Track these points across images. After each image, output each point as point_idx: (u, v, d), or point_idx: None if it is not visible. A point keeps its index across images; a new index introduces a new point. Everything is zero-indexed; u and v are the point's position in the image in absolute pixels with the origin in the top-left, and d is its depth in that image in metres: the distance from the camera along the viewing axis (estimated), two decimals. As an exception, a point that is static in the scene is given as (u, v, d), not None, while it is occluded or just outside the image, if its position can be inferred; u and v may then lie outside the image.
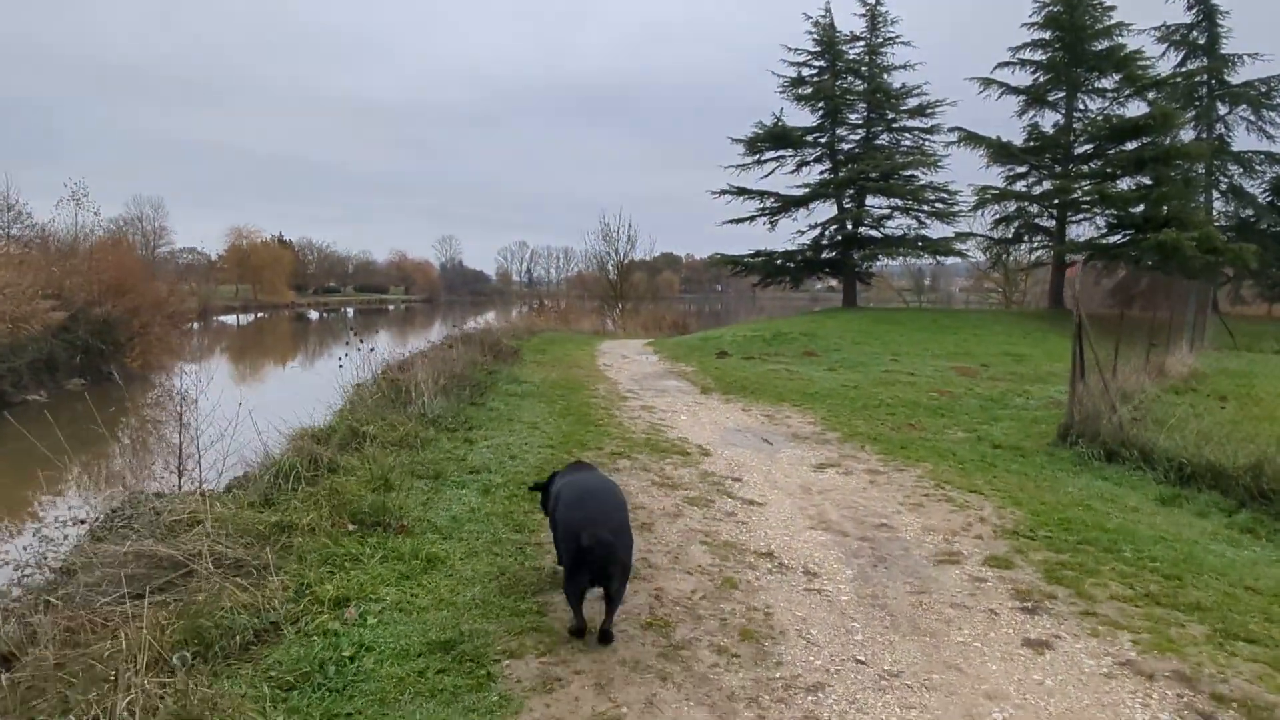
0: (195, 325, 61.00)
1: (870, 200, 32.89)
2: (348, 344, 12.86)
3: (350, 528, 5.44)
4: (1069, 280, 32.14)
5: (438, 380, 10.01)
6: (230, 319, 69.86)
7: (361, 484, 6.09)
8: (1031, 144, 33.55)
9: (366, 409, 8.75)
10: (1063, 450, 10.05)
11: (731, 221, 33.74)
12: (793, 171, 33.92)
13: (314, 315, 79.66)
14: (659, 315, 41.11)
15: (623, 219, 46.66)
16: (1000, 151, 33.05)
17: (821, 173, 33.56)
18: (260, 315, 75.01)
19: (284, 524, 5.32)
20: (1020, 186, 34.24)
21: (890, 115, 32.72)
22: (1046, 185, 33.34)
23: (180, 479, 6.69)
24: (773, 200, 32.98)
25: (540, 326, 30.18)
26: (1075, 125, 33.31)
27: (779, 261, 33.53)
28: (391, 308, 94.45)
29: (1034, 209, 34.46)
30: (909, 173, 32.08)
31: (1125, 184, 32.36)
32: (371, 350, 12.73)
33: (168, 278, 67.88)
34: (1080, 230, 35.04)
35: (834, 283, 50.11)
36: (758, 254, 33.51)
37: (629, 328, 37.29)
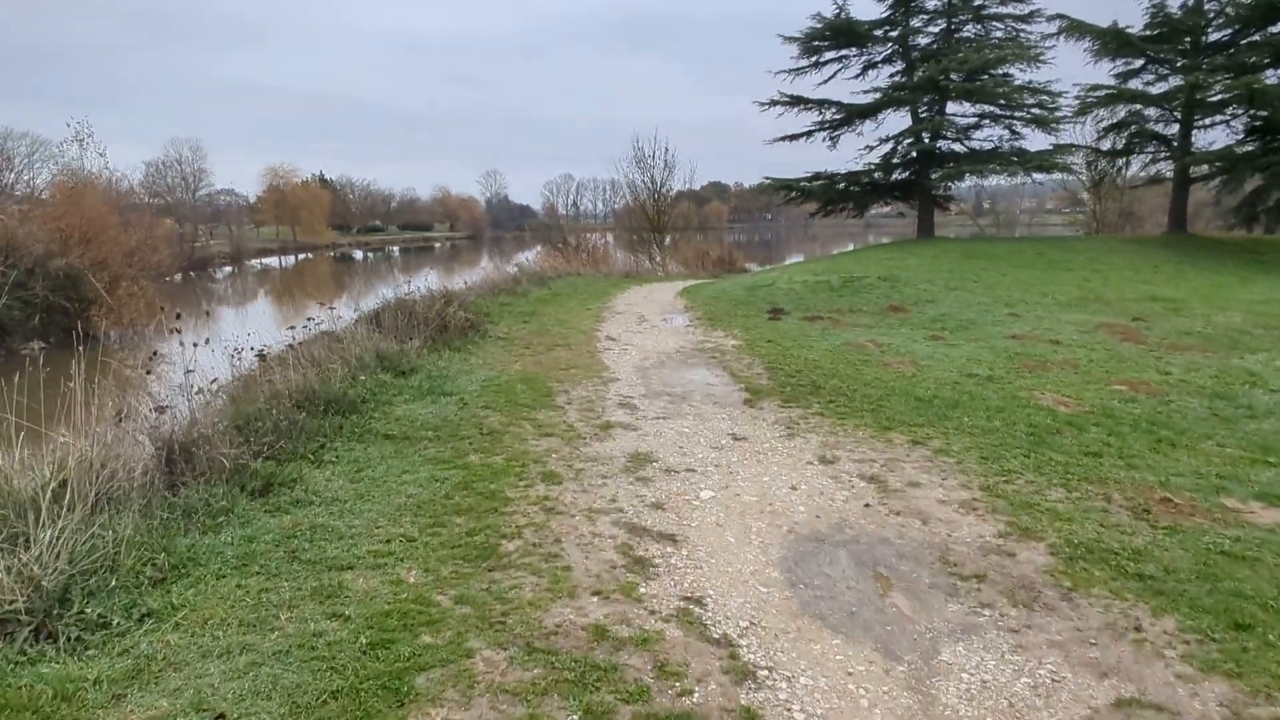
0: (229, 270, 56.89)
1: (952, 108, 25.93)
2: (173, 332, 7.45)
3: None
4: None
5: (168, 443, 4.43)
6: (272, 261, 65.59)
7: None
8: (1153, 31, 26.11)
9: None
10: None
11: (784, 139, 27.06)
12: (858, 75, 26.91)
13: (359, 255, 75.00)
14: (702, 250, 34.97)
15: (658, 143, 40.08)
16: (1114, 41, 25.66)
17: (893, 75, 26.52)
18: (303, 257, 70.56)
19: None
20: (1135, 85, 26.97)
21: (978, 1, 25.48)
22: (1173, 82, 26.02)
23: None
24: (834, 110, 26.11)
25: (561, 269, 24.48)
26: (1208, 6, 25.74)
27: (841, 185, 26.85)
28: (437, 245, 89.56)
29: (1150, 113, 27.21)
30: (1001, 71, 24.99)
31: (1271, 77, 24.95)
32: (204, 344, 7.35)
33: (202, 219, 63.53)
34: (1208, 138, 27.81)
35: (888, 208, 43.05)
36: (816, 177, 26.82)
37: (668, 267, 31.38)
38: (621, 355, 9.98)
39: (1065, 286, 17.64)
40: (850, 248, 64.11)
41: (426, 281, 13.03)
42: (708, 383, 8.52)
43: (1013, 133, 25.79)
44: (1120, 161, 29.27)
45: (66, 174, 43.87)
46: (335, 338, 8.29)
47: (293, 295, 40.48)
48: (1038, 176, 27.83)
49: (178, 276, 47.82)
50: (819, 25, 25.24)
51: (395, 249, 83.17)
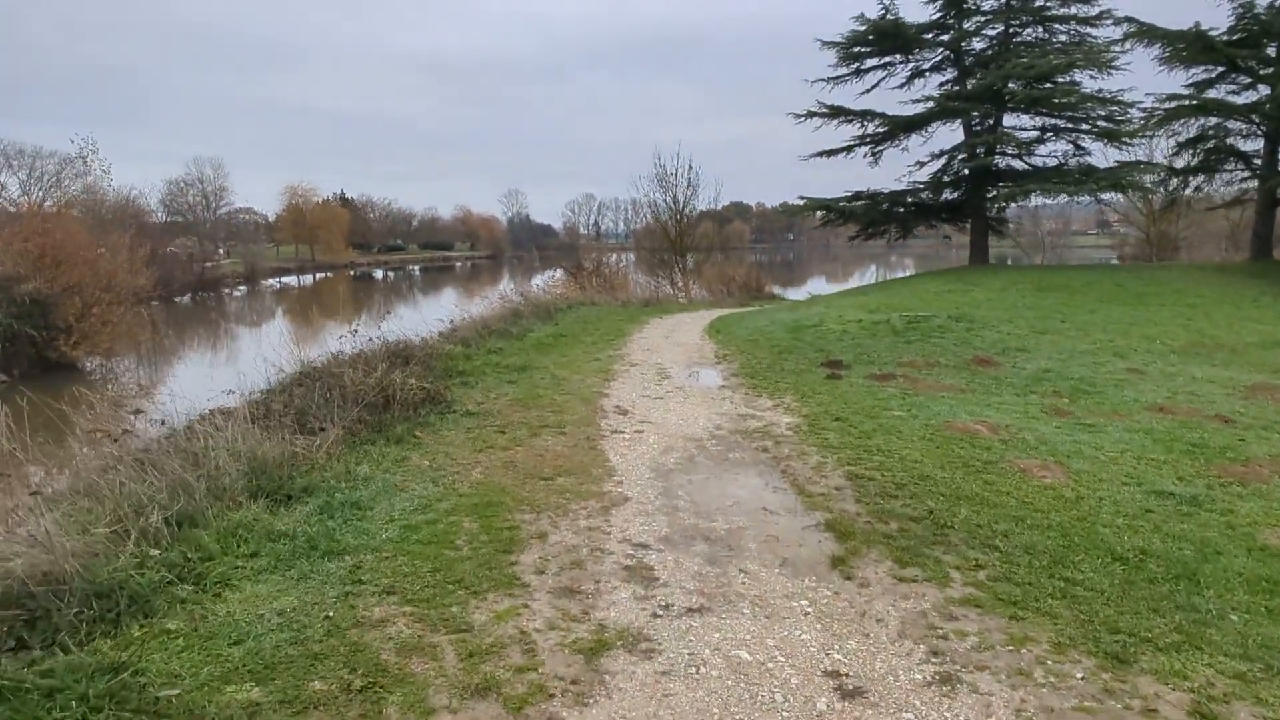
0: (242, 289, 54.42)
1: (1009, 120, 22.73)
2: None
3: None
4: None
5: None
6: (290, 280, 63.26)
7: None
8: (1233, 36, 22.75)
9: None
10: None
11: (822, 154, 23.91)
12: (903, 85, 23.83)
13: (379, 275, 72.54)
14: (727, 273, 31.81)
15: (681, 160, 36.95)
16: (1194, 46, 22.35)
17: (943, 84, 23.45)
18: (322, 275, 68.15)
19: None
20: (1212, 95, 23.59)
21: (1039, 1, 22.28)
22: (1261, 91, 22.65)
23: None
24: (877, 123, 22.94)
25: (572, 299, 21.44)
26: (1294, 7, 22.33)
27: (885, 206, 23.69)
28: (458, 265, 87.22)
29: (1231, 126, 23.80)
30: (1065, 78, 21.73)
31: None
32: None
33: (220, 237, 61.33)
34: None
35: (932, 230, 39.65)
36: (857, 196, 23.65)
37: (690, 292, 28.29)
38: (634, 444, 6.87)
39: (1168, 327, 14.39)
40: (873, 270, 60.45)
41: (381, 332, 9.95)
42: (764, 507, 5.40)
43: (1077, 148, 22.55)
44: (1196, 180, 25.75)
45: (87, 192, 41.78)
46: (193, 437, 5.24)
47: (306, 317, 37.85)
48: (1074, 197, 24.50)
49: (187, 298, 45.41)
50: (862, 28, 22.15)
51: (416, 268, 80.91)
